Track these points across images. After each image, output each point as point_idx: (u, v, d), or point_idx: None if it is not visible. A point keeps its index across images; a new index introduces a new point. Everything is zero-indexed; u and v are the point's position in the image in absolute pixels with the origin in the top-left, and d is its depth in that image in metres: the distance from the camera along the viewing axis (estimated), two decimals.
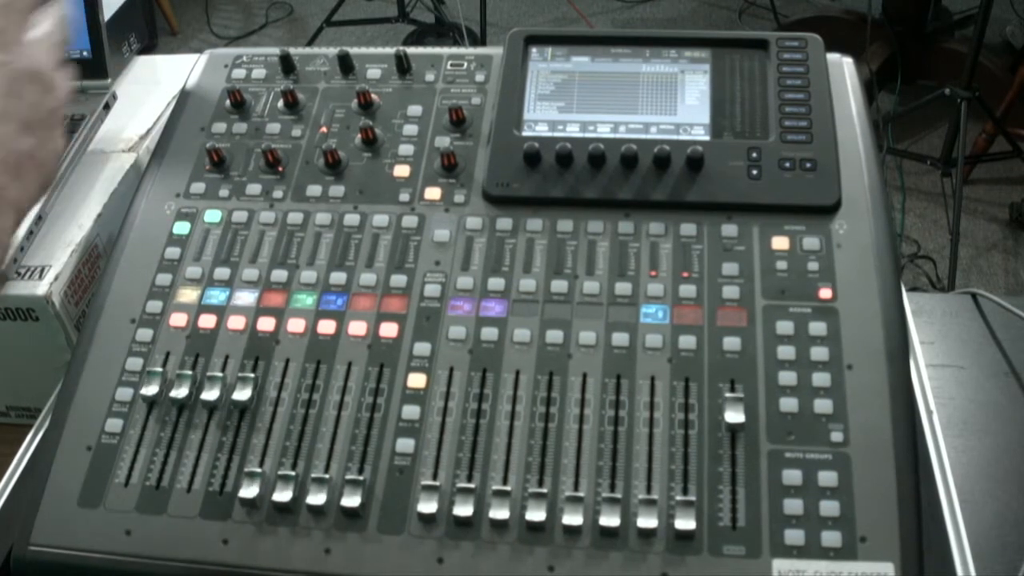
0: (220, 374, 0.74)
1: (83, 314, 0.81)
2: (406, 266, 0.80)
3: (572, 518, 0.66)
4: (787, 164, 0.81)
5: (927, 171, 2.42)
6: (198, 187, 0.87)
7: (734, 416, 0.69)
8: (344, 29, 3.06)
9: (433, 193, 0.84)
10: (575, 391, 0.72)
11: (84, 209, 0.96)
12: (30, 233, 0.91)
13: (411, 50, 0.93)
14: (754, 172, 0.81)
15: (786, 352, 0.72)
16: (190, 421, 0.73)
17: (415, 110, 0.90)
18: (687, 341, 0.73)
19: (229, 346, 0.77)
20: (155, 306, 0.79)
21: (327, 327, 0.77)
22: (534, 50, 0.91)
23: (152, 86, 1.20)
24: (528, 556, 0.66)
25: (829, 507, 0.65)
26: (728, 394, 0.70)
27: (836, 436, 0.68)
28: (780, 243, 0.78)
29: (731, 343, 0.73)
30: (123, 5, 1.27)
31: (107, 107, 1.10)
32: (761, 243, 0.78)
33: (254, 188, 0.86)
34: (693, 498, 0.66)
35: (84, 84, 1.11)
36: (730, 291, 0.76)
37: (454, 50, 0.94)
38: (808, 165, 0.81)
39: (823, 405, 0.69)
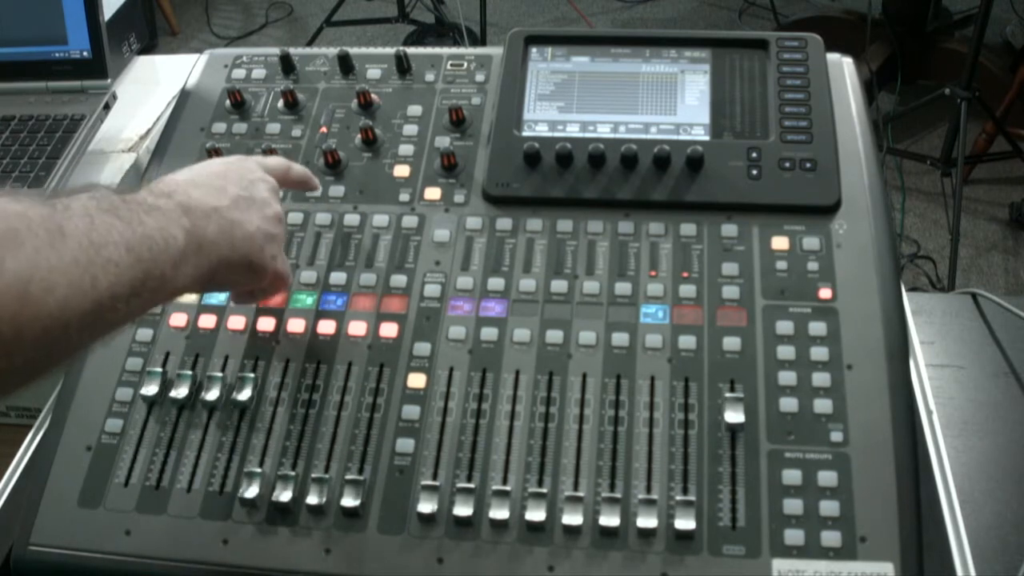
0: (220, 374, 0.74)
1: None
2: (406, 266, 0.80)
3: (572, 518, 0.66)
4: (787, 164, 0.81)
5: (927, 171, 2.41)
6: None
7: (734, 416, 0.69)
8: (344, 29, 3.06)
9: (433, 193, 0.84)
10: (575, 391, 0.72)
11: None
12: None
13: (411, 50, 0.93)
14: (754, 172, 0.81)
15: (786, 352, 0.72)
16: (190, 421, 0.73)
17: (415, 110, 0.90)
18: (687, 341, 0.73)
19: (229, 346, 0.77)
20: None
21: (327, 327, 0.77)
22: (534, 50, 0.91)
23: (152, 86, 1.20)
24: (528, 556, 0.66)
25: (829, 507, 0.65)
26: (728, 394, 0.70)
27: (836, 436, 0.68)
28: (780, 243, 0.78)
29: (731, 343, 0.73)
30: (123, 5, 1.27)
31: (107, 107, 1.10)
32: (761, 243, 0.78)
33: None
34: (693, 498, 0.66)
35: (84, 84, 1.11)
36: (730, 291, 0.76)
37: (454, 50, 0.94)
38: (808, 165, 0.81)
39: (823, 405, 0.69)
